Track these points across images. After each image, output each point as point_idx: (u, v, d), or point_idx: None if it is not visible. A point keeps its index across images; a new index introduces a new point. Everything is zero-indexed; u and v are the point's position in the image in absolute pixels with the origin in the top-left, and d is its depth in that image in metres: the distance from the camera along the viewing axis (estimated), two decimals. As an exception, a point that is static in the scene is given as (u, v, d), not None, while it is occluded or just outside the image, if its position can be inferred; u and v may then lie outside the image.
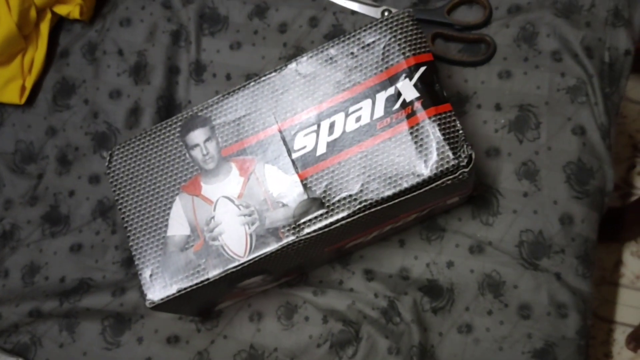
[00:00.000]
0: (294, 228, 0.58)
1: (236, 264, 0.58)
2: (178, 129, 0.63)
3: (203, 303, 0.67)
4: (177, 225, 0.60)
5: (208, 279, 0.58)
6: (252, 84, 0.63)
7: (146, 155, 0.63)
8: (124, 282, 0.77)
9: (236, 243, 0.58)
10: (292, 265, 0.68)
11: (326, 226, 0.58)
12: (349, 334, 0.71)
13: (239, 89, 0.63)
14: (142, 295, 0.60)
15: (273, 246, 0.58)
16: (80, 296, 0.77)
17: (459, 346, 0.69)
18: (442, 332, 0.70)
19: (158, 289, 0.59)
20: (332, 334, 0.71)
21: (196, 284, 0.58)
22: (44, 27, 0.87)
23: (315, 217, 0.58)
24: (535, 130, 0.74)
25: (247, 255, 0.58)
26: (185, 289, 0.59)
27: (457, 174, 0.58)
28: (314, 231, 0.57)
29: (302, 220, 0.58)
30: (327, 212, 0.58)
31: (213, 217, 0.60)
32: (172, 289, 0.59)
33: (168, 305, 0.60)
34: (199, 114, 0.63)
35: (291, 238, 0.58)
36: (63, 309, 0.77)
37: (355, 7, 0.82)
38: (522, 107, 0.75)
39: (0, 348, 0.77)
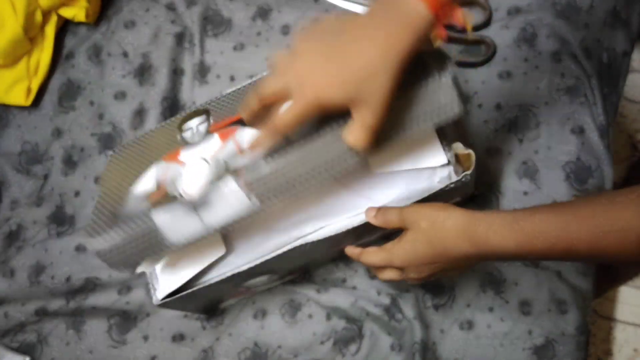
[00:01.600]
0: None
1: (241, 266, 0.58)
2: (178, 123, 0.63)
3: (209, 300, 0.68)
4: (145, 185, 0.58)
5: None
6: (255, 80, 0.63)
7: (146, 151, 0.63)
8: (130, 281, 0.77)
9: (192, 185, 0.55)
10: (297, 265, 0.68)
11: None
12: (352, 331, 0.71)
13: (242, 87, 0.63)
14: (149, 292, 0.61)
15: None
16: (86, 295, 0.78)
17: (461, 342, 0.70)
18: (444, 329, 0.71)
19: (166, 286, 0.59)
20: (336, 331, 0.72)
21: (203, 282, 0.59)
22: (50, 30, 0.88)
23: None
24: (535, 130, 0.75)
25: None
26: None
27: (460, 177, 0.58)
28: None
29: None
30: None
31: (180, 173, 0.57)
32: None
33: (175, 302, 0.61)
34: (200, 108, 0.63)
35: None
36: (69, 307, 0.78)
37: (357, 9, 0.83)
38: (522, 107, 0.76)
39: (7, 347, 0.78)
